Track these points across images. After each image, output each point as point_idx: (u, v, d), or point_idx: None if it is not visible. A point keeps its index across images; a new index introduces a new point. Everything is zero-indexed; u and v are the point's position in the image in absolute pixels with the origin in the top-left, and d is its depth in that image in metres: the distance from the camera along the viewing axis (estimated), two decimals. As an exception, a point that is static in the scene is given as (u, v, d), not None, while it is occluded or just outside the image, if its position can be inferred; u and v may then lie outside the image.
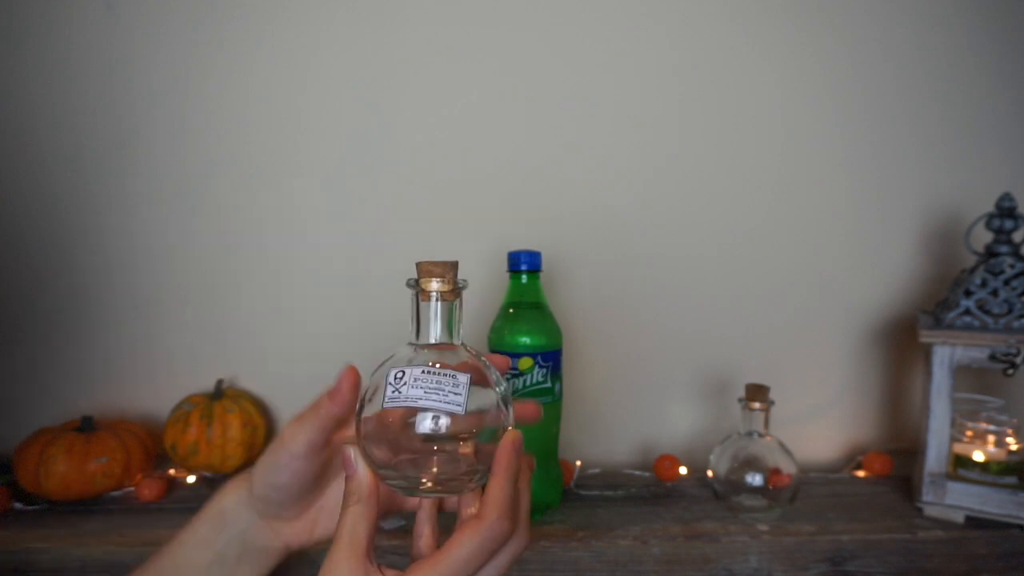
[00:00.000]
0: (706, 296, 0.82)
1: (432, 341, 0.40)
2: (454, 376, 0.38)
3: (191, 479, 0.75)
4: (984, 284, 0.67)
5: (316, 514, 0.45)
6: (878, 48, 0.79)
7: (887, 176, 0.81)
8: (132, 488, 0.71)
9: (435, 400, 0.37)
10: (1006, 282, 0.66)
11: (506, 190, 0.80)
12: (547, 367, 0.66)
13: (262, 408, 0.81)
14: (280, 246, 0.81)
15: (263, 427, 0.79)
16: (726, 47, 0.79)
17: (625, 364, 0.83)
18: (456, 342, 0.41)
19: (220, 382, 0.79)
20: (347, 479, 0.39)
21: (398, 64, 0.78)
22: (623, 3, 0.78)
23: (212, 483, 0.75)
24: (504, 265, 0.69)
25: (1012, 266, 0.67)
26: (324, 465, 0.43)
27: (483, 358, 0.41)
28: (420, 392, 0.37)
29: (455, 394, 0.37)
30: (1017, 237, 0.69)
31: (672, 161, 0.80)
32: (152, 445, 0.75)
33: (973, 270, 0.69)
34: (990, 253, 0.68)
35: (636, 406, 0.84)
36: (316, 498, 0.45)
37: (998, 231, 0.68)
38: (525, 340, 0.66)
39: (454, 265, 0.40)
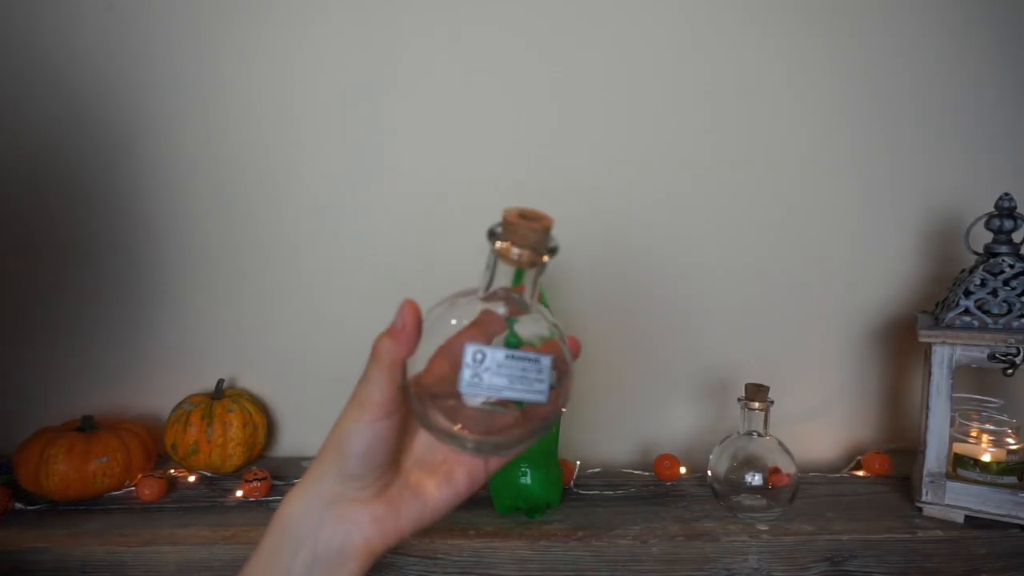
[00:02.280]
0: (706, 296, 0.82)
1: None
2: (537, 360, 0.35)
3: (191, 479, 0.75)
4: (983, 284, 0.67)
5: (399, 493, 0.40)
6: (880, 50, 0.79)
7: (887, 176, 0.81)
8: (132, 488, 0.71)
9: (520, 390, 0.34)
10: (1005, 282, 0.66)
11: (506, 190, 0.80)
12: (547, 367, 0.66)
13: (262, 408, 0.81)
14: (279, 246, 0.81)
15: (263, 427, 0.79)
16: (731, 49, 0.79)
17: (625, 364, 0.83)
18: (532, 309, 0.37)
19: (220, 382, 0.79)
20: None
21: (398, 63, 0.78)
22: (630, 3, 0.78)
23: (212, 483, 0.75)
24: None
25: (1011, 266, 0.67)
26: (404, 423, 0.39)
27: (557, 327, 0.38)
28: (503, 381, 0.34)
29: (539, 382, 0.35)
30: (1017, 237, 0.69)
31: (672, 162, 0.80)
32: (152, 445, 0.75)
33: (972, 270, 0.69)
34: (989, 253, 0.68)
35: (636, 406, 0.84)
36: (395, 472, 0.40)
37: (997, 231, 0.68)
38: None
39: (548, 229, 0.34)
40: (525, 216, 0.34)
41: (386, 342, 0.36)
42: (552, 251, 0.35)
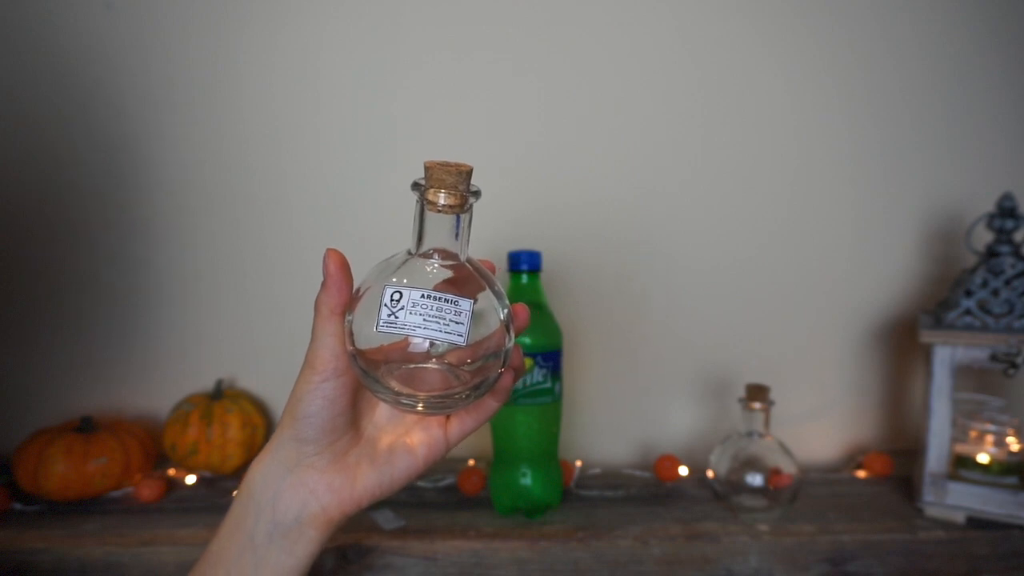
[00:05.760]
0: (706, 296, 0.82)
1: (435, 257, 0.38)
2: (456, 302, 0.35)
3: (190, 479, 0.75)
4: (985, 284, 0.67)
5: (356, 461, 0.41)
6: (881, 49, 0.79)
7: (888, 176, 0.81)
8: (131, 488, 0.71)
9: (434, 329, 0.35)
10: (1007, 282, 0.66)
11: (507, 190, 0.80)
12: (547, 367, 0.66)
13: (261, 408, 0.81)
14: (280, 246, 0.80)
15: (262, 427, 0.78)
16: (731, 47, 0.79)
17: (625, 364, 0.83)
18: (462, 257, 0.38)
19: (219, 382, 0.79)
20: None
21: (399, 64, 0.78)
22: (628, 1, 0.78)
23: (211, 483, 0.75)
24: (504, 265, 0.68)
25: (1013, 266, 0.67)
26: (358, 389, 0.40)
27: (488, 276, 0.39)
28: (419, 320, 0.35)
29: (456, 323, 0.35)
30: (1018, 237, 0.69)
31: (674, 162, 0.80)
32: (151, 445, 0.75)
33: (974, 270, 0.69)
34: (991, 253, 0.68)
35: (636, 406, 0.84)
36: (352, 441, 0.41)
37: (999, 231, 0.68)
38: (525, 340, 0.66)
39: (468, 174, 0.36)
40: (446, 164, 0.36)
41: (320, 295, 0.38)
42: (475, 194, 0.37)
